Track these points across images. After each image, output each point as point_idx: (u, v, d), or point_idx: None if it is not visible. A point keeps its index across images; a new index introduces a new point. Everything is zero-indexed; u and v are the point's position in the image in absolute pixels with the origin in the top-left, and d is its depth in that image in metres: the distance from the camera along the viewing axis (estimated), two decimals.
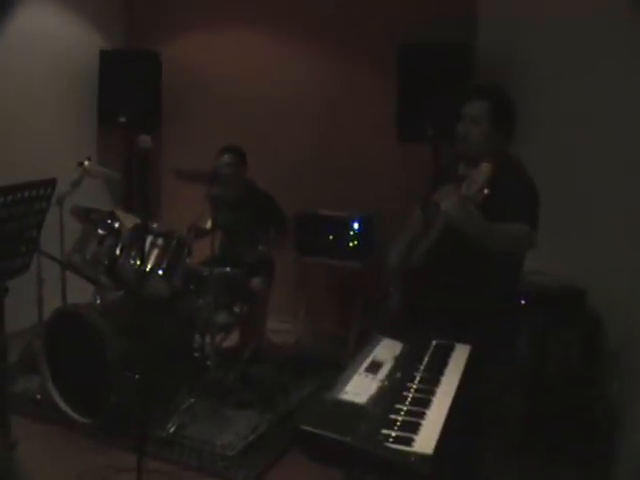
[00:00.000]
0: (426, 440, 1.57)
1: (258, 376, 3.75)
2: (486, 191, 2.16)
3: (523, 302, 3.22)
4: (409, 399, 1.79)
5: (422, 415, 1.70)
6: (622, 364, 3.18)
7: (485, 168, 2.19)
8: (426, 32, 4.15)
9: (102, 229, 3.47)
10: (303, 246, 4.51)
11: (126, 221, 3.52)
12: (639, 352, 3.00)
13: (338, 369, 1.94)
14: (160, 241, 3.47)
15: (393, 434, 1.59)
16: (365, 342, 2.14)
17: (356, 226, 4.39)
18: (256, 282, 3.96)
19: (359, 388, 1.81)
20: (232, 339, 4.03)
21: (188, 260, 3.59)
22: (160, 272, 3.42)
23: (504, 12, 3.83)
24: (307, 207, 4.55)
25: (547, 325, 3.27)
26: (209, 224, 3.95)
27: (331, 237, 4.42)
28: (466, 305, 2.37)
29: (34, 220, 2.11)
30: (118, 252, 3.46)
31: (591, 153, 3.45)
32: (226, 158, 3.99)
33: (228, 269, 3.67)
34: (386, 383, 1.86)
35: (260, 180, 4.18)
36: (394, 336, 2.18)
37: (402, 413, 1.71)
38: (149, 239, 3.43)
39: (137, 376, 2.74)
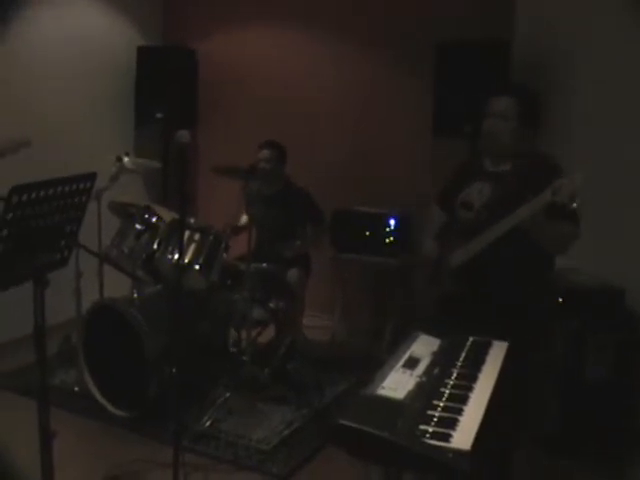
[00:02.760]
0: (464, 436, 1.56)
1: (293, 372, 3.76)
2: (575, 204, 2.16)
3: (560, 300, 3.22)
4: (446, 395, 1.78)
5: (460, 411, 1.69)
6: None
7: (579, 178, 2.17)
8: (461, 29, 4.14)
9: (139, 223, 3.51)
10: (340, 243, 4.51)
11: (164, 216, 3.55)
12: None
13: (374, 365, 1.94)
14: (197, 236, 3.49)
15: (430, 430, 1.59)
16: (402, 338, 2.15)
17: (392, 223, 4.40)
18: (292, 274, 3.98)
19: (397, 384, 1.81)
20: (268, 334, 4.04)
21: (225, 255, 3.60)
22: (197, 267, 3.44)
23: (542, 8, 3.78)
24: (344, 204, 4.55)
25: (583, 325, 3.20)
26: (245, 220, 4.01)
27: (368, 234, 4.42)
28: (510, 297, 2.42)
29: (74, 214, 2.12)
30: (155, 246, 3.49)
31: (631, 152, 3.41)
32: (265, 153, 4.03)
33: (264, 265, 3.70)
34: (424, 379, 1.86)
35: (297, 177, 4.20)
36: (431, 332, 2.19)
37: (439, 409, 1.70)
38: (186, 234, 3.44)
39: (174, 370, 2.76)
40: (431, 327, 2.24)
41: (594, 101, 3.57)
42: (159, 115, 4.78)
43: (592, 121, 3.58)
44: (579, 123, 3.59)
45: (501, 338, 2.18)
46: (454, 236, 2.64)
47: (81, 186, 2.11)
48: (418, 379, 1.85)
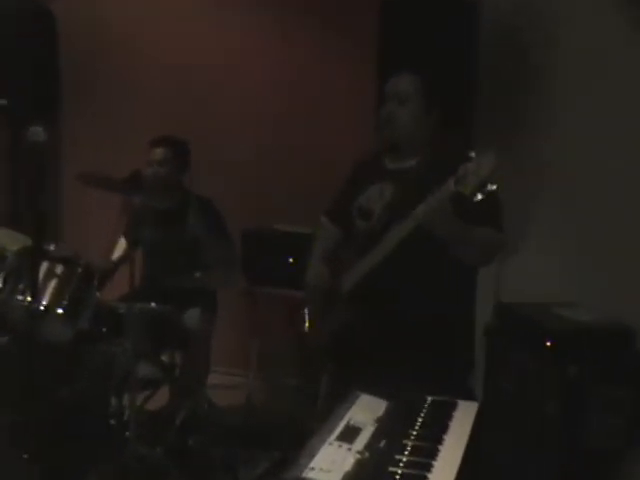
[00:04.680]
0: None
1: (196, 449, 3.73)
2: (491, 187, 2.24)
3: (549, 343, 3.28)
4: (398, 477, 1.75)
5: None
6: None
7: (487, 160, 2.25)
8: None
9: None
10: (254, 273, 4.52)
11: (11, 243, 3.51)
12: None
13: (303, 437, 1.94)
14: (60, 269, 3.46)
15: None
16: (338, 400, 2.17)
17: None
18: (192, 317, 3.98)
19: (331, 463, 1.79)
20: (160, 399, 3.99)
21: (98, 294, 3.58)
22: (60, 310, 3.40)
23: None
24: (257, 221, 4.60)
25: (584, 376, 3.21)
26: (124, 247, 4.03)
27: (291, 261, 4.42)
28: (423, 334, 2.57)
29: None
30: (0, 284, 3.43)
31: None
32: (158, 153, 4.03)
33: (154, 304, 3.69)
34: (366, 455, 1.85)
35: (199, 189, 4.16)
36: (375, 391, 2.21)
37: None
38: (44, 266, 3.41)
39: (25, 457, 2.66)
40: (376, 383, 2.26)
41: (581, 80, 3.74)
42: (2, 102, 4.52)
43: (580, 107, 3.74)
44: (563, 108, 3.76)
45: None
46: (349, 254, 2.79)
47: None
48: (359, 456, 1.84)
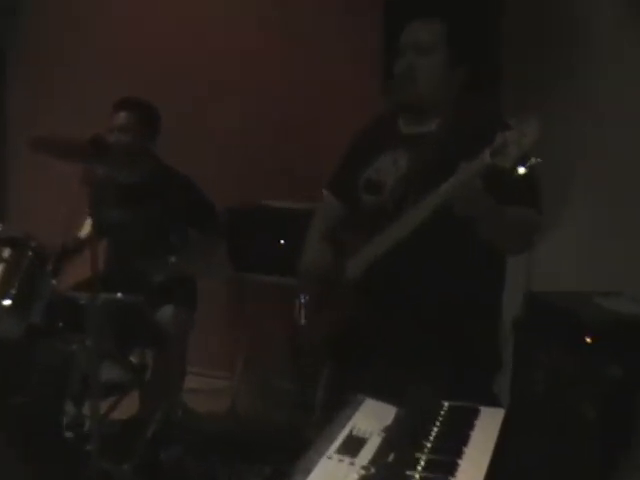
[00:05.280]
0: None
1: (170, 464, 3.73)
2: (534, 160, 2.21)
3: (588, 339, 3.29)
4: None
5: None
6: None
7: (531, 127, 2.21)
8: None
9: None
10: (241, 257, 4.51)
11: None
12: None
13: (297, 448, 1.94)
14: (7, 253, 3.48)
15: None
16: (338, 406, 2.15)
17: None
18: (167, 312, 3.97)
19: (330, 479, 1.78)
20: (128, 406, 3.96)
21: (54, 282, 3.58)
22: (7, 301, 3.40)
23: None
24: (246, 197, 4.58)
25: (628, 377, 3.21)
26: (89, 227, 3.93)
27: (283, 242, 4.41)
28: (441, 328, 2.55)
29: None
30: None
31: None
32: (122, 117, 4.03)
33: (120, 296, 3.67)
34: (372, 471, 1.82)
35: (174, 160, 4.22)
36: (382, 395, 2.19)
37: None
38: None
39: None
40: (384, 385, 2.29)
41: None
42: None
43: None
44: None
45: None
46: (353, 235, 2.77)
47: None
48: (363, 472, 1.81)
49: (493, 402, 2.39)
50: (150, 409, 3.94)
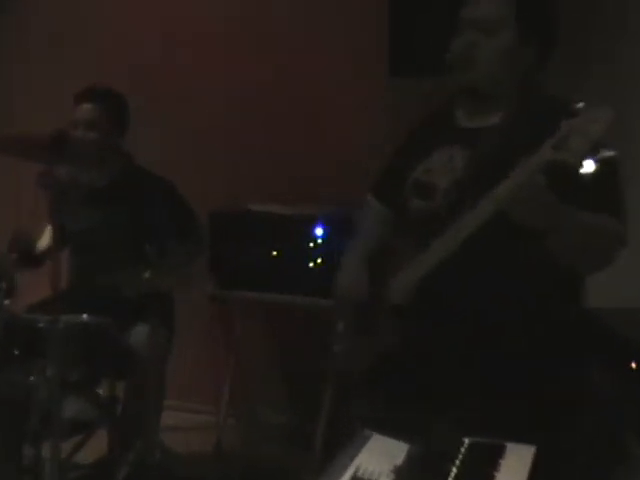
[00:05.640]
0: None
1: None
2: (606, 153, 2.11)
3: (633, 365, 3.28)
4: None
5: None
6: None
7: (604, 112, 2.13)
8: None
9: None
10: (226, 271, 4.47)
11: None
12: None
13: None
14: None
15: None
16: (342, 443, 2.15)
17: (320, 232, 4.34)
18: (140, 336, 3.90)
19: None
20: (96, 447, 3.92)
21: (7, 302, 3.54)
22: None
23: None
24: (228, 201, 4.61)
25: None
26: (48, 237, 3.95)
27: (275, 254, 4.39)
28: (505, 350, 2.46)
29: None
30: None
31: None
32: (86, 110, 4.02)
33: (85, 316, 3.61)
34: None
35: (147, 159, 4.23)
36: (392, 431, 2.18)
37: None
38: None
39: None
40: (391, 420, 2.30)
41: None
42: None
43: None
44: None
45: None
46: (399, 248, 2.75)
47: None
48: None
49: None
50: (121, 450, 3.90)
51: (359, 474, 1.96)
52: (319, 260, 4.30)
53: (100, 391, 3.77)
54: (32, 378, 3.44)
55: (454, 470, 1.98)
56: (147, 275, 3.77)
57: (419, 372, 2.54)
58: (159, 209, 3.98)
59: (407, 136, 2.90)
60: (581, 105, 2.16)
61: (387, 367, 2.64)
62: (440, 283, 2.46)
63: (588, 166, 2.10)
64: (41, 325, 3.45)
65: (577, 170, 2.10)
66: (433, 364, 2.52)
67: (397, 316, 2.59)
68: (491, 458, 2.05)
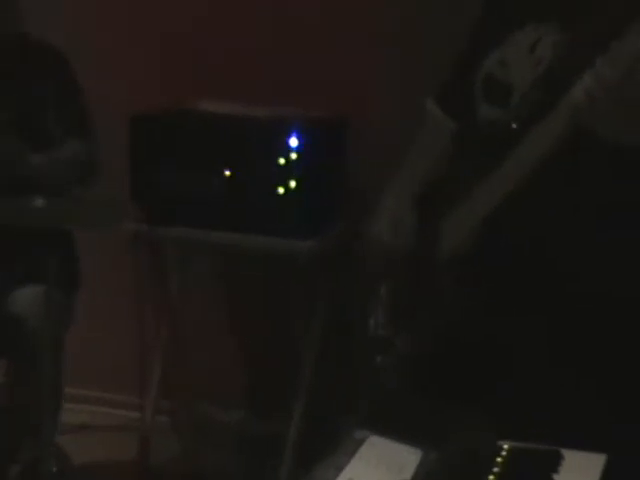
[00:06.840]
0: None
1: None
2: None
3: None
4: None
5: None
6: None
7: None
8: None
9: None
10: (155, 199, 4.31)
11: None
12: None
13: None
14: None
15: None
16: (322, 449, 2.07)
17: (294, 143, 4.20)
18: (26, 299, 3.85)
19: None
20: None
21: None
22: None
23: None
24: (165, 98, 4.47)
25: None
26: None
27: (228, 173, 4.23)
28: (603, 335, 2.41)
29: None
30: None
31: None
32: None
33: None
34: None
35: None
36: (398, 430, 2.12)
37: None
38: None
39: None
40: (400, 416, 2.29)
41: None
42: None
43: None
44: None
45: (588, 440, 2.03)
46: (461, 174, 2.68)
47: None
48: None
49: None
50: (2, 460, 3.88)
51: None
52: (292, 183, 4.11)
53: None
54: None
55: None
56: (38, 203, 3.63)
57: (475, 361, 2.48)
58: (45, 88, 4.00)
59: (485, 5, 2.78)
60: None
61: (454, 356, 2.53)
62: (505, 229, 2.44)
63: None
64: None
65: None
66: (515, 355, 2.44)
67: (454, 279, 2.57)
68: (541, 468, 1.97)
